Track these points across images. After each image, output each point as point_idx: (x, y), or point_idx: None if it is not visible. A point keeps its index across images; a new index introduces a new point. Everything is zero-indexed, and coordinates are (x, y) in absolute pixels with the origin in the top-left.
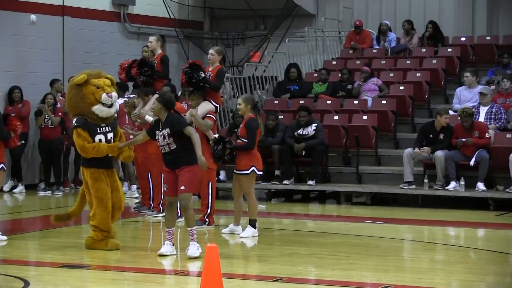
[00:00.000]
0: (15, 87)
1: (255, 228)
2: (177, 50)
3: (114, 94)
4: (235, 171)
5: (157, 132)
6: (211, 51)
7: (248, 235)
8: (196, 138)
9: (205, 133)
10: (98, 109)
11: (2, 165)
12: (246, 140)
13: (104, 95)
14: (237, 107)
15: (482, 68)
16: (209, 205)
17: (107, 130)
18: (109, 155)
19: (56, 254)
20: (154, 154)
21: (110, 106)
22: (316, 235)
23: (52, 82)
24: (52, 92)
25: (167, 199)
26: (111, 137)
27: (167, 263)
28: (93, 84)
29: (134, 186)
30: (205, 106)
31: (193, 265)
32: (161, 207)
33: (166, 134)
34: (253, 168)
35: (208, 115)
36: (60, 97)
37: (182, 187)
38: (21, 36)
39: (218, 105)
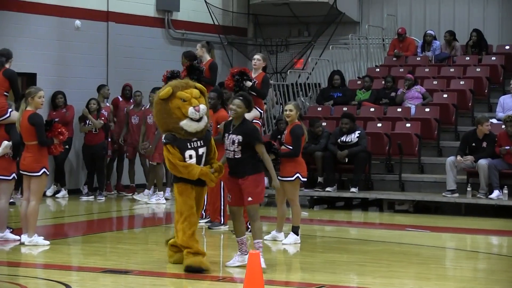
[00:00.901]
0: (58, 92)
1: (298, 235)
2: (220, 56)
3: (203, 106)
4: (279, 177)
5: (226, 134)
6: (257, 56)
7: (290, 242)
8: (267, 159)
9: None
10: (186, 124)
11: (44, 169)
12: (291, 147)
13: (191, 110)
14: (287, 113)
15: None
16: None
17: (199, 144)
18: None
19: (98, 259)
20: None
21: (199, 120)
22: (358, 242)
23: (99, 88)
24: (98, 98)
25: (230, 209)
26: (203, 152)
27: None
28: (179, 98)
29: (161, 193)
30: (251, 113)
31: (236, 272)
32: (203, 213)
33: (237, 141)
34: (297, 174)
35: (254, 120)
36: (107, 104)
37: (250, 199)
38: (66, 41)
39: (262, 111)
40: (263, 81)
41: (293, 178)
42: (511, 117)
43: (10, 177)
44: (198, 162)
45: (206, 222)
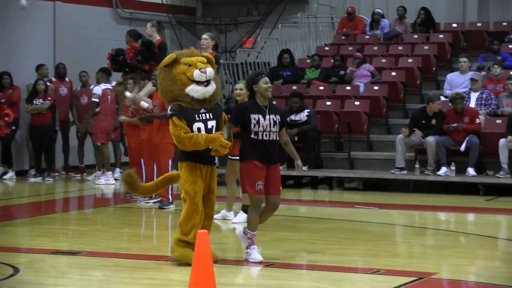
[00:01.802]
0: (4, 72)
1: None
2: (169, 36)
3: (210, 69)
4: (229, 156)
5: (260, 116)
6: (204, 36)
7: (240, 220)
8: (288, 138)
9: None
10: (192, 89)
11: None
12: None
13: (196, 72)
14: (237, 92)
15: (473, 54)
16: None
17: (208, 117)
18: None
19: (47, 240)
20: (147, 141)
21: (207, 84)
22: (308, 220)
23: (37, 68)
24: (37, 78)
25: (258, 198)
26: (212, 126)
27: (158, 249)
28: (183, 63)
29: (110, 173)
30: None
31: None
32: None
33: (277, 121)
34: None
35: None
36: (48, 83)
37: (280, 188)
38: (11, 20)
39: None
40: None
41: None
42: (459, 94)
43: None
44: None
45: (154, 202)
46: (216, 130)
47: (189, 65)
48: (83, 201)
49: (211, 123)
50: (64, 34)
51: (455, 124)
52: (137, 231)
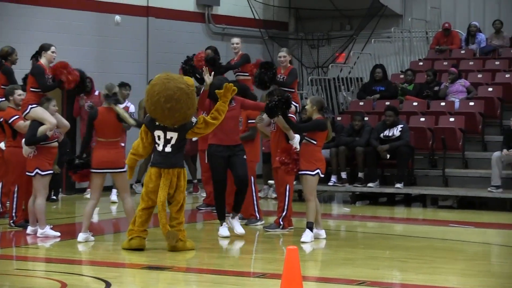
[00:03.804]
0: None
1: (312, 232)
2: (261, 50)
3: None
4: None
5: None
6: (282, 53)
7: (306, 240)
8: None
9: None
10: None
11: None
12: (313, 141)
13: None
14: (305, 107)
15: None
16: (285, 207)
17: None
18: None
19: (137, 255)
20: None
21: None
22: (401, 238)
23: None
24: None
25: None
26: (171, 137)
27: (247, 266)
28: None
29: None
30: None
31: (273, 268)
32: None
33: None
34: (318, 170)
35: (289, 115)
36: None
37: None
38: (105, 37)
39: (297, 105)
40: (289, 74)
41: (313, 173)
42: None
43: (33, 174)
44: (165, 144)
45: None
46: (178, 142)
47: None
48: None
49: (171, 134)
50: (157, 50)
51: None
52: (226, 247)
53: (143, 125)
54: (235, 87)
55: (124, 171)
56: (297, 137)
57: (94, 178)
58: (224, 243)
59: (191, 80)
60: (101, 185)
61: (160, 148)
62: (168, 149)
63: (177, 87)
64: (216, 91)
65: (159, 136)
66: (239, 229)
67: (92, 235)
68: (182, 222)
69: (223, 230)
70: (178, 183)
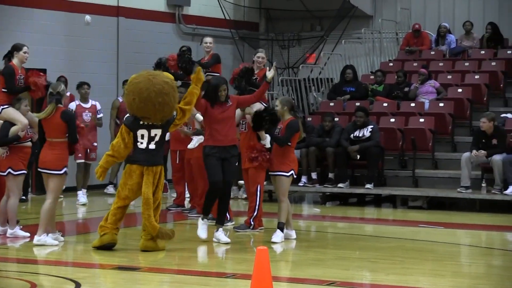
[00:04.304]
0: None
1: (283, 232)
2: (232, 51)
3: None
4: (270, 173)
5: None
6: (261, 54)
7: (278, 240)
8: None
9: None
10: None
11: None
12: (288, 143)
13: None
14: (275, 108)
15: None
16: (256, 207)
17: (151, 124)
18: None
19: (108, 256)
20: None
21: None
22: (371, 239)
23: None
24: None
25: None
26: (155, 134)
27: (218, 266)
28: None
29: None
30: (257, 106)
31: (244, 268)
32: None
33: None
34: (292, 171)
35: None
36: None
37: None
38: (75, 37)
39: (266, 105)
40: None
41: (288, 174)
42: None
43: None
44: (149, 142)
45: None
46: (161, 138)
47: None
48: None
49: (155, 132)
50: (127, 50)
51: None
52: (196, 247)
53: (124, 126)
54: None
55: (59, 174)
56: (268, 137)
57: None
58: (196, 243)
59: (170, 75)
60: (47, 184)
61: (143, 146)
62: (152, 146)
63: (164, 81)
64: (191, 76)
65: (142, 135)
66: (224, 239)
67: (62, 235)
68: (158, 221)
69: (203, 231)
70: (159, 181)
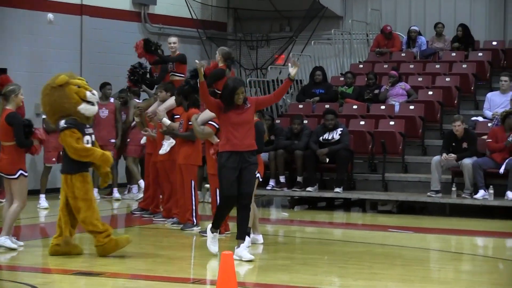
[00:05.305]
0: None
1: (249, 237)
2: (199, 51)
3: (95, 91)
4: None
5: None
6: (172, 39)
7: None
8: None
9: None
10: (84, 108)
11: (21, 171)
12: None
13: (88, 93)
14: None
15: None
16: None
17: (91, 131)
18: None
19: (68, 261)
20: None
21: (94, 104)
22: (339, 243)
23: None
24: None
25: None
26: (94, 139)
27: (183, 271)
28: (73, 84)
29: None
30: (206, 113)
31: (209, 273)
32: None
33: None
34: (257, 174)
35: (209, 122)
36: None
37: None
38: (38, 35)
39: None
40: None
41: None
42: (507, 111)
43: None
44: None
45: (172, 224)
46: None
47: (79, 86)
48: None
49: (93, 137)
50: (91, 49)
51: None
52: (161, 252)
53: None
54: None
55: (15, 178)
56: (216, 138)
57: None
58: (160, 248)
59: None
60: (7, 187)
61: None
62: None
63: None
64: None
65: (88, 141)
66: (247, 256)
67: (16, 239)
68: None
69: (213, 245)
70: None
